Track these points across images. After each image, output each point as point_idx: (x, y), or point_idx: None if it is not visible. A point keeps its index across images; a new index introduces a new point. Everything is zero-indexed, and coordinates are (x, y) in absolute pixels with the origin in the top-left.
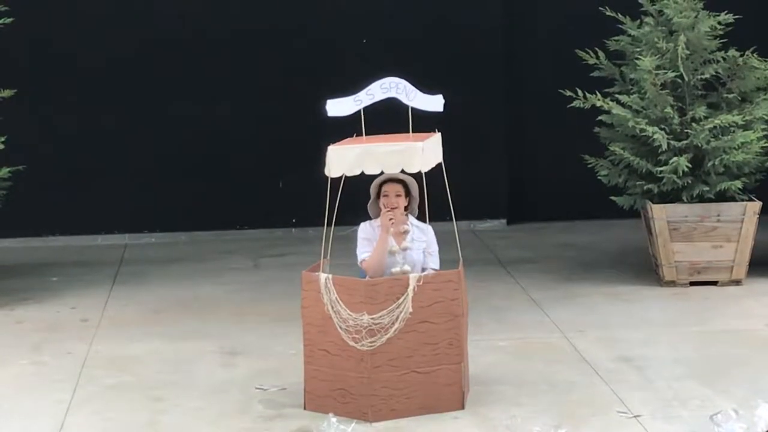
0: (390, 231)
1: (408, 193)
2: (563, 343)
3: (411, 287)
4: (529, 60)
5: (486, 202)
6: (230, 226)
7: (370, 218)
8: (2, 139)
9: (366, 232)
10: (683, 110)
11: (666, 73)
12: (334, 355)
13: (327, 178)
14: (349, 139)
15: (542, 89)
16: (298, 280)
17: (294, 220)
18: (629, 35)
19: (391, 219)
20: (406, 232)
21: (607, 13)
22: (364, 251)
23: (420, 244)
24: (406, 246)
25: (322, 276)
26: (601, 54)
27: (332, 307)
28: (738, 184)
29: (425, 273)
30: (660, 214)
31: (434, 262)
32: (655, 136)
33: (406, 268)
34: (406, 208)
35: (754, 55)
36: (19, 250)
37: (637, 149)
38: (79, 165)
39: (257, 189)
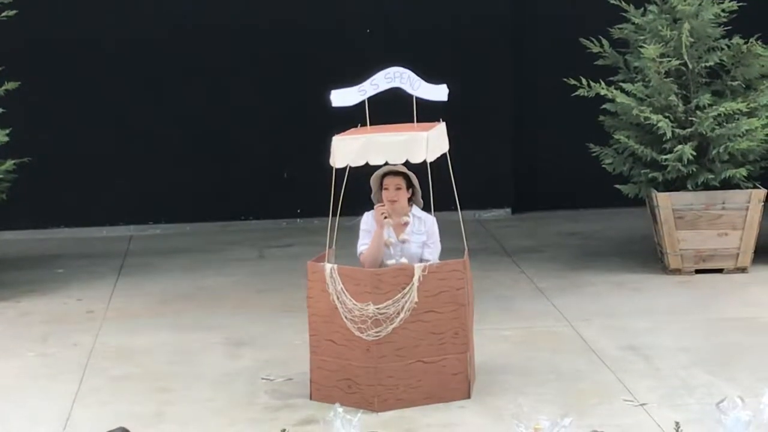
0: (389, 224)
1: (411, 184)
2: (569, 332)
3: (416, 277)
4: (534, 49)
5: (491, 191)
6: (235, 216)
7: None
8: (7, 132)
9: (367, 223)
10: (687, 98)
11: (670, 61)
12: (339, 345)
13: (332, 168)
14: (353, 129)
15: (547, 78)
16: (303, 271)
17: (299, 211)
18: (633, 23)
19: (383, 213)
20: (406, 224)
21: (611, 1)
22: (363, 244)
23: (419, 237)
24: (405, 238)
25: (328, 266)
26: (605, 42)
27: (338, 297)
28: (743, 171)
29: (429, 263)
30: (665, 202)
31: (430, 254)
32: (659, 124)
33: (403, 260)
34: (410, 200)
35: (758, 42)
36: (25, 242)
37: (642, 137)
38: (84, 157)
39: (262, 180)
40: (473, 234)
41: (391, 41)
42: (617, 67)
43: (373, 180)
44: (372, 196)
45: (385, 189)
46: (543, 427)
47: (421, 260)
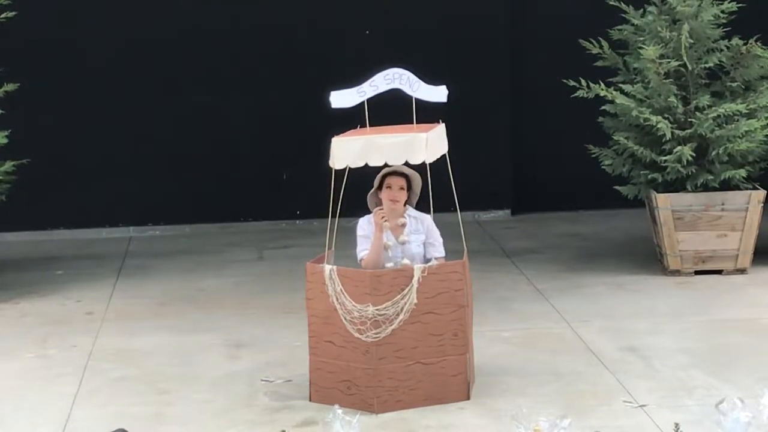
0: (387, 227)
1: (410, 187)
2: (568, 333)
3: (415, 278)
4: (533, 50)
5: (490, 192)
6: (234, 218)
7: (370, 211)
8: (6, 134)
9: (364, 229)
10: (687, 99)
11: (669, 62)
12: (339, 347)
13: (331, 169)
14: (352, 130)
15: (546, 79)
16: (302, 272)
17: (298, 212)
18: (632, 24)
19: (383, 217)
20: (403, 226)
21: (610, 3)
22: (362, 249)
23: (418, 237)
24: (404, 240)
25: (327, 267)
26: (604, 43)
27: (337, 299)
28: (742, 172)
29: (430, 264)
30: (664, 203)
31: (437, 251)
32: (659, 126)
33: (405, 261)
34: (405, 202)
35: (758, 43)
36: (24, 243)
37: (641, 139)
38: (83, 158)
39: (261, 181)
40: (473, 235)
41: (390, 42)
42: (617, 68)
43: (378, 178)
44: (369, 195)
45: (388, 188)
46: (542, 429)
47: (427, 260)
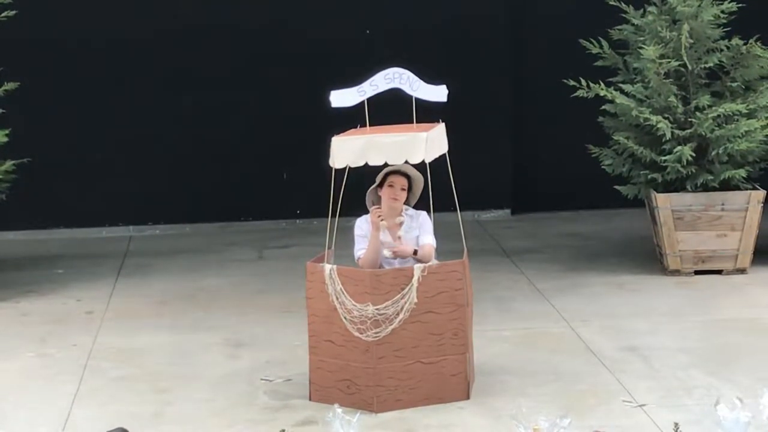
0: (384, 226)
1: (410, 188)
2: (568, 333)
3: (415, 278)
4: (533, 50)
5: (490, 192)
6: (234, 217)
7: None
8: (6, 132)
9: (361, 228)
10: (687, 99)
11: (669, 62)
12: (339, 346)
13: (331, 169)
14: (353, 130)
15: (546, 79)
16: (302, 271)
17: (298, 211)
18: (632, 24)
19: (379, 216)
20: (401, 224)
21: (610, 3)
22: (360, 248)
23: (414, 233)
24: (401, 236)
25: (327, 267)
26: (604, 43)
27: (337, 298)
28: (742, 172)
29: (429, 264)
30: (664, 203)
31: (426, 239)
32: (658, 125)
33: (401, 233)
34: (404, 202)
35: (758, 43)
36: (24, 242)
37: (641, 138)
38: (84, 157)
39: (261, 180)
40: (472, 235)
41: (390, 42)
42: (617, 68)
43: (380, 175)
44: (368, 191)
45: (390, 186)
46: (542, 428)
47: (417, 244)
